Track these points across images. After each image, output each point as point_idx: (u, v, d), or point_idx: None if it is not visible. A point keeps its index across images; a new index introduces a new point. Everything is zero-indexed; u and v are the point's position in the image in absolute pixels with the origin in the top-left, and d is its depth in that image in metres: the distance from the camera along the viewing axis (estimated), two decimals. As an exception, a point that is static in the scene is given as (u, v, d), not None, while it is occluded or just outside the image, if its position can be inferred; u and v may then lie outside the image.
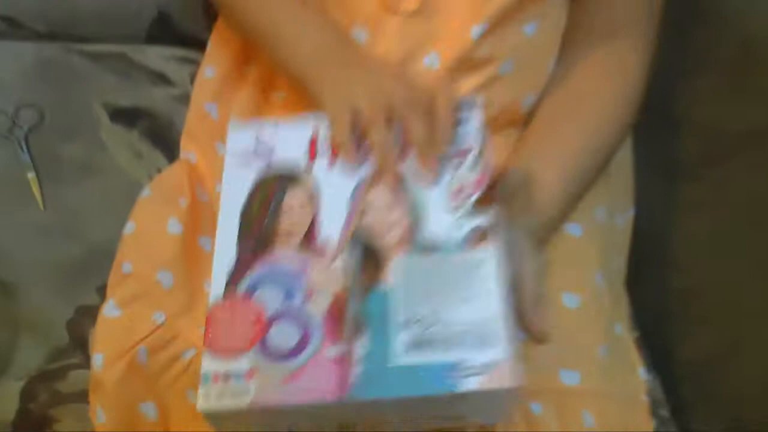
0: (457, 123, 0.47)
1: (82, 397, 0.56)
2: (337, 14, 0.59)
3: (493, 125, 0.59)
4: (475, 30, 0.55)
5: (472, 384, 0.38)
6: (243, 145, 0.49)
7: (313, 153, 0.48)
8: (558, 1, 0.60)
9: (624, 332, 0.60)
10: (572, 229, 0.59)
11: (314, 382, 0.40)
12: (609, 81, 0.60)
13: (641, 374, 0.59)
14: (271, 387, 0.40)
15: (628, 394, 0.57)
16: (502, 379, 0.39)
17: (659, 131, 0.66)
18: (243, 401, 0.39)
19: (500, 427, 0.50)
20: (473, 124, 0.47)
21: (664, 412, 0.64)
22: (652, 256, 0.67)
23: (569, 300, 0.55)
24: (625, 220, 0.67)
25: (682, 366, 0.65)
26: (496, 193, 0.45)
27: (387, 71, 0.53)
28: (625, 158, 0.68)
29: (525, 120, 0.61)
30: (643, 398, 0.58)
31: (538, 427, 0.50)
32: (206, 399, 0.40)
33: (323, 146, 0.48)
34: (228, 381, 0.40)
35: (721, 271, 0.62)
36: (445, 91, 0.48)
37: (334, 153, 0.48)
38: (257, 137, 0.49)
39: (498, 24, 0.56)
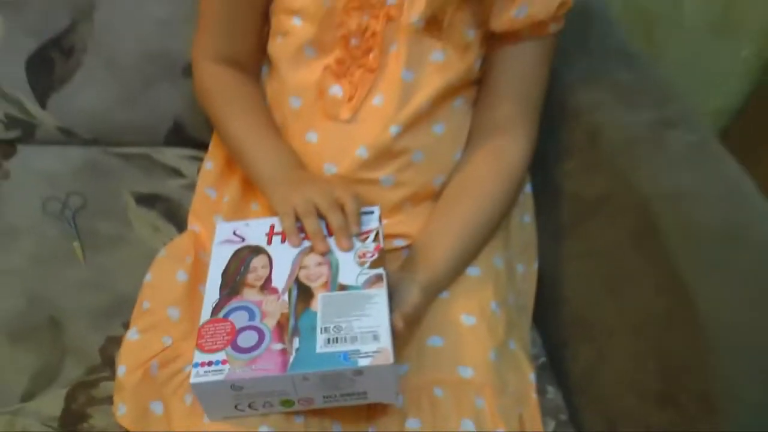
0: (362, 216, 0.67)
1: (108, 400, 0.68)
2: (296, 124, 0.76)
3: (413, 199, 0.76)
4: (393, 129, 0.72)
5: (365, 362, 0.56)
6: (225, 236, 0.68)
7: (270, 238, 0.67)
8: (462, 108, 0.78)
9: (517, 348, 0.72)
10: (473, 271, 0.74)
11: (266, 364, 0.57)
12: (491, 169, 0.75)
13: (531, 378, 0.71)
14: (238, 368, 0.57)
15: (518, 390, 0.69)
16: (383, 359, 0.56)
17: (545, 201, 0.82)
18: (219, 377, 0.56)
19: (411, 411, 0.64)
20: (375, 216, 0.67)
21: (563, 417, 0.76)
22: (551, 297, 0.81)
23: (467, 319, 0.70)
24: (526, 269, 0.81)
25: (573, 380, 0.77)
26: (385, 257, 0.64)
27: (315, 186, 0.68)
28: (525, 222, 0.83)
29: (437, 195, 0.77)
30: (533, 396, 0.70)
31: (439, 406, 0.64)
32: (196, 376, 0.57)
33: (277, 231, 0.67)
34: (210, 365, 0.57)
35: (592, 302, 0.76)
36: (351, 197, 0.67)
37: (283, 236, 0.67)
38: (234, 231, 0.69)
39: (411, 125, 0.73)
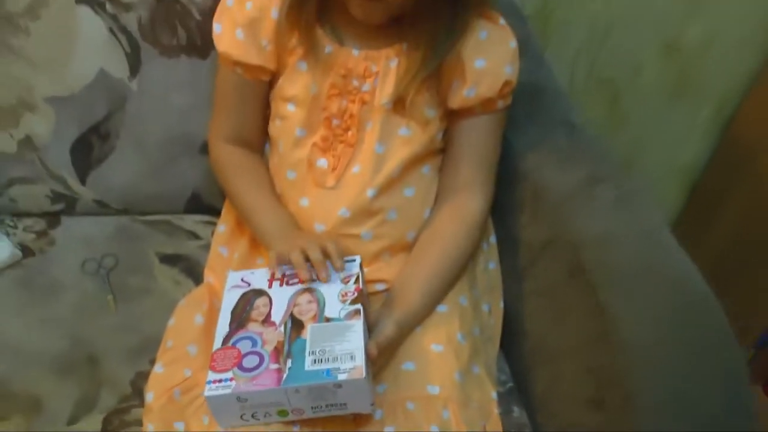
0: (346, 263, 0.79)
1: (138, 423, 0.78)
2: (292, 192, 0.89)
3: (390, 250, 0.89)
4: (369, 193, 0.86)
5: (343, 376, 0.69)
6: (234, 282, 0.82)
7: (271, 282, 0.80)
8: (429, 174, 0.91)
9: (481, 372, 0.83)
10: (441, 308, 0.86)
11: (265, 380, 0.70)
12: (454, 223, 0.87)
13: (493, 396, 0.82)
14: (243, 383, 0.70)
15: (482, 406, 0.80)
16: (357, 374, 0.69)
17: (506, 248, 0.95)
18: (228, 390, 0.69)
19: (389, 421, 0.76)
20: (356, 264, 0.80)
21: (527, 431, 0.86)
22: (514, 331, 0.93)
23: (435, 347, 0.81)
24: (492, 307, 0.93)
25: (534, 401, 0.88)
26: (364, 296, 0.76)
27: (306, 239, 0.79)
28: (490, 268, 0.95)
29: (411, 246, 0.89)
30: (495, 411, 0.81)
31: (412, 417, 0.76)
32: (209, 390, 0.70)
33: (277, 278, 0.81)
34: (221, 382, 0.70)
35: (543, 332, 0.88)
36: (332, 242, 0.79)
37: (281, 281, 0.80)
38: (242, 278, 0.82)
39: (385, 189, 0.86)
